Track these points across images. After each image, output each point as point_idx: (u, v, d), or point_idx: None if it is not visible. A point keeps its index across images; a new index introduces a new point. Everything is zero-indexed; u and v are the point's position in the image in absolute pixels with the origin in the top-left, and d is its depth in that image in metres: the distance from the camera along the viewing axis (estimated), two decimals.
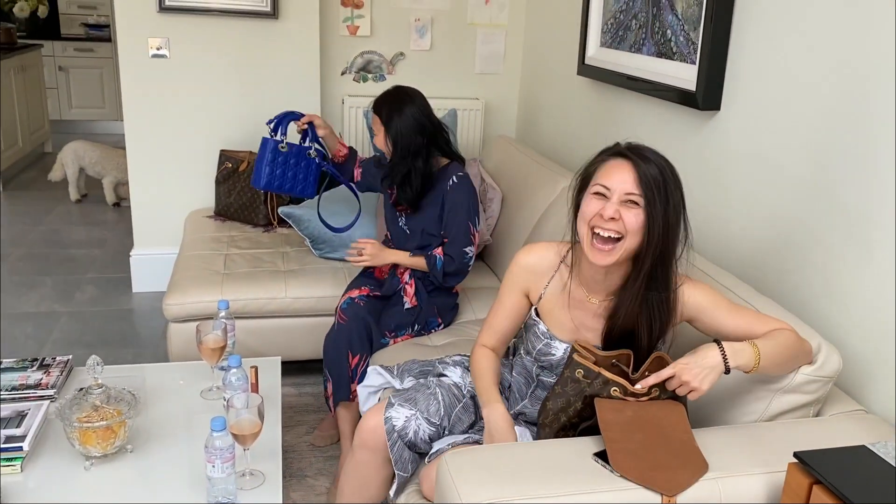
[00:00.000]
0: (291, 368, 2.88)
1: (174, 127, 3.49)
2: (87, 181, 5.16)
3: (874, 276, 1.67)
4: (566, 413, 1.59)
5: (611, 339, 1.63)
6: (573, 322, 1.68)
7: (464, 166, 2.49)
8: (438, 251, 2.44)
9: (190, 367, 2.32)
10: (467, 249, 2.44)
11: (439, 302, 2.53)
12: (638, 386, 1.53)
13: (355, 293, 2.41)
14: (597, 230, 1.52)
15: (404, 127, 2.38)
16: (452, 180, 2.41)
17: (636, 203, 1.49)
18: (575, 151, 3.27)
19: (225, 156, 3.40)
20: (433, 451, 1.72)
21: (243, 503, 1.69)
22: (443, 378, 1.89)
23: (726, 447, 1.46)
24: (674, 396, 1.56)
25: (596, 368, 1.55)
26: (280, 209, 3.03)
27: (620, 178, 1.50)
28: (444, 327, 2.53)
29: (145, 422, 1.97)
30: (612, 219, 1.49)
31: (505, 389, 1.93)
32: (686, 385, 1.46)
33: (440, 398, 1.79)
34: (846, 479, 1.21)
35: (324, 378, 2.38)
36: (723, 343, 1.48)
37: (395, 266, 2.54)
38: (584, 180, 1.58)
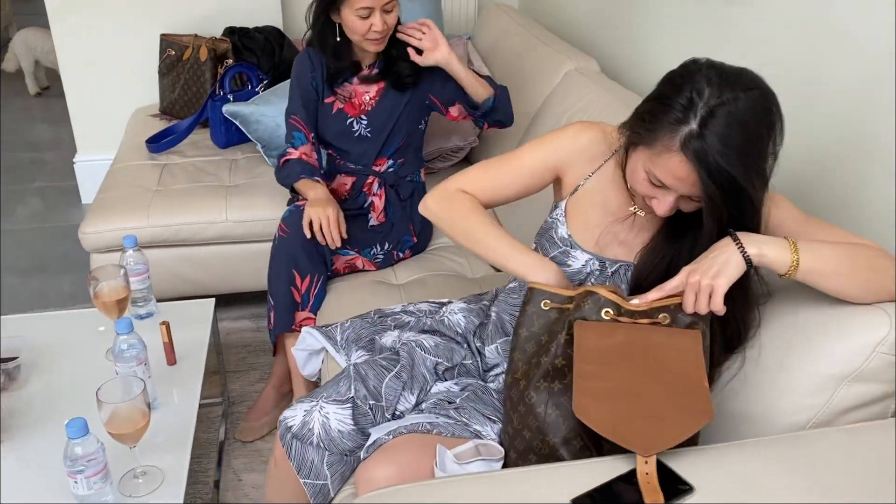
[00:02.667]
0: (249, 299, 2.47)
1: (107, 6, 2.91)
2: (48, 72, 4.63)
3: None
4: (544, 353, 1.18)
5: (648, 262, 1.27)
6: (602, 229, 1.33)
7: None
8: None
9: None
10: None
11: (416, 216, 2.05)
12: (635, 301, 1.14)
13: (300, 201, 1.93)
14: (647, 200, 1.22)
15: None
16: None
17: (696, 200, 1.16)
18: (588, 23, 2.65)
19: (166, 41, 2.85)
20: (369, 442, 1.29)
21: None
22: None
23: (767, 473, 1.00)
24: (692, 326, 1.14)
25: (571, 292, 1.19)
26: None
27: (679, 182, 1.13)
28: (418, 250, 2.07)
29: (28, 397, 1.58)
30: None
31: (469, 335, 1.50)
32: (699, 289, 1.10)
33: (352, 374, 1.36)
34: None
35: (267, 306, 1.92)
36: (737, 232, 1.12)
37: (358, 181, 2.04)
38: (636, 139, 1.19)
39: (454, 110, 1.99)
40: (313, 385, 1.86)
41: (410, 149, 2.06)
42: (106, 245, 2.18)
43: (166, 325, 1.68)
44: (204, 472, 1.88)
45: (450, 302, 1.69)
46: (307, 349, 1.65)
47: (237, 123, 2.51)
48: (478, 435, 1.26)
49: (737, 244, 1.10)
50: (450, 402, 1.34)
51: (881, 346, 1.08)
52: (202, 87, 2.75)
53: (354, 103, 1.99)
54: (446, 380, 1.42)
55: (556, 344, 1.15)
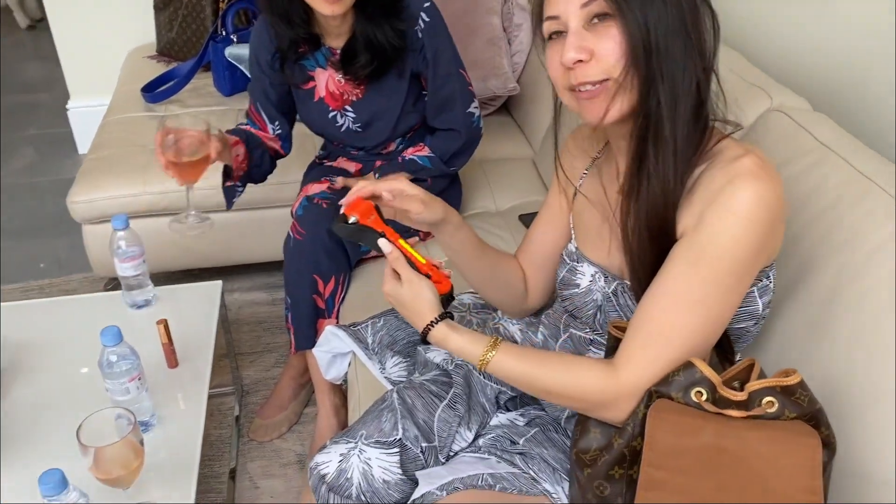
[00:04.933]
0: (263, 266, 2.22)
1: None
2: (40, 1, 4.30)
3: None
4: (617, 433, 0.89)
5: (644, 229, 0.93)
6: (610, 233, 1.04)
7: None
8: (419, 150, 1.65)
9: (101, 300, 1.70)
10: (473, 109, 1.65)
11: (448, 191, 1.76)
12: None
13: (314, 188, 1.64)
14: (578, 87, 0.91)
15: None
16: (422, 19, 1.53)
17: (604, 13, 0.87)
18: None
19: None
20: (416, 495, 1.05)
21: None
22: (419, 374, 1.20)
23: None
24: (809, 416, 0.84)
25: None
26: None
27: None
28: None
29: (6, 412, 1.35)
30: (580, 61, 0.88)
31: None
32: None
33: (397, 406, 1.11)
34: None
35: (285, 304, 1.68)
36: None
37: (364, 168, 1.73)
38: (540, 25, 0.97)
39: None
40: (338, 388, 1.63)
41: (422, 122, 1.70)
42: (99, 215, 1.93)
43: (164, 324, 1.43)
44: (216, 477, 1.67)
45: None
46: (331, 352, 1.41)
47: (242, 69, 2.21)
48: (548, 495, 1.02)
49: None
50: (513, 443, 1.10)
51: None
52: (202, 25, 2.43)
53: (334, 92, 1.60)
54: (509, 409, 1.18)
55: (632, 421, 0.87)
